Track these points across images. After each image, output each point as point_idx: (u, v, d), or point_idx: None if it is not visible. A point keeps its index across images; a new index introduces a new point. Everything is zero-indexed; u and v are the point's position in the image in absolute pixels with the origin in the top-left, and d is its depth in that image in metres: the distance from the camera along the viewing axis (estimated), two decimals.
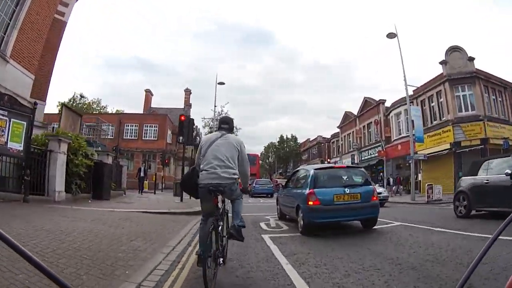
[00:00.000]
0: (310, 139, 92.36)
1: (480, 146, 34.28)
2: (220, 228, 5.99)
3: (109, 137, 56.32)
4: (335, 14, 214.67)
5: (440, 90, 38.81)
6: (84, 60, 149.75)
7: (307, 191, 11.52)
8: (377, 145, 52.75)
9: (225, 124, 6.52)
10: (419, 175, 39.07)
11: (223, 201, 6.58)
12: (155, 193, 35.95)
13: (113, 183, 23.08)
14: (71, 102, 76.04)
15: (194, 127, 24.18)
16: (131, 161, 56.76)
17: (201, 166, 5.96)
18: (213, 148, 6.01)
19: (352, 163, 55.16)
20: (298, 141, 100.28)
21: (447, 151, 36.64)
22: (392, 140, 48.80)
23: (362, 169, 14.30)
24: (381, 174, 51.25)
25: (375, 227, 12.10)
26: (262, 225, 14.06)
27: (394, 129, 48.42)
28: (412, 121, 33.29)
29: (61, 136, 16.23)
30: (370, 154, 54.87)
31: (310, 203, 11.12)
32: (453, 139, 35.99)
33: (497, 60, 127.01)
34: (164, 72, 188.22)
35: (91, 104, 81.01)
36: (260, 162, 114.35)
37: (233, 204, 6.36)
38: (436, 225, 12.23)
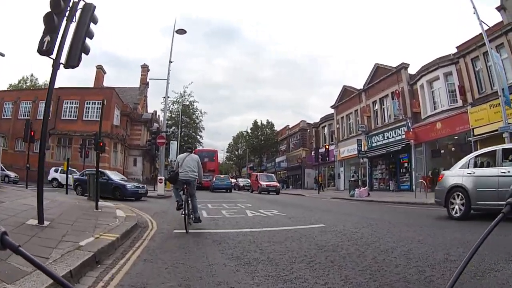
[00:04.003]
0: (290, 126, 79.71)
1: None
2: (189, 200, 11.25)
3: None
4: (302, 7, 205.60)
5: (502, 44, 27.33)
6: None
7: None
8: (398, 125, 38.51)
9: (189, 149, 12.91)
10: None
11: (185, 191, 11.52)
12: (66, 192, 24.07)
13: None
14: (20, 84, 77.57)
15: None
16: (69, 148, 48.75)
17: (180, 170, 11.52)
18: (185, 162, 11.68)
19: (359, 152, 43.55)
20: (275, 129, 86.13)
21: None
22: (423, 117, 35.74)
23: None
24: (406, 165, 37.86)
25: None
26: None
27: (428, 102, 35.15)
28: None
29: None
30: (388, 138, 40.71)
31: None
32: None
33: None
34: (131, 67, 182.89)
35: (41, 86, 71.38)
36: (227, 154, 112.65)
37: (192, 201, 11.44)
38: None
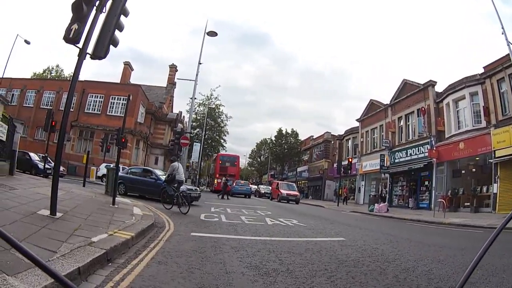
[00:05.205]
0: (314, 137, 78.64)
1: None
2: (179, 193, 16.67)
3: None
4: (333, 21, 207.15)
5: None
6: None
7: None
8: (422, 142, 37.67)
9: (177, 159, 18.71)
10: (495, 185, 27.24)
11: (178, 187, 16.95)
12: (84, 185, 24.09)
13: None
14: (45, 74, 78.47)
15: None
16: (90, 141, 48.44)
17: (175, 173, 17.09)
18: (179, 168, 17.38)
19: (381, 167, 42.91)
20: (299, 138, 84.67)
21: None
22: (447, 136, 34.81)
23: None
24: (426, 183, 36.86)
25: None
26: None
27: (452, 121, 34.19)
28: None
29: None
30: (410, 154, 39.86)
31: None
32: None
33: None
34: (157, 66, 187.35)
35: (67, 78, 73.18)
36: (250, 160, 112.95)
37: (182, 192, 17.03)
38: None
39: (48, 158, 31.84)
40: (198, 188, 26.14)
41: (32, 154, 31.48)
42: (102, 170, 35.47)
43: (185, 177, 20.78)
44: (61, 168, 33.72)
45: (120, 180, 22.63)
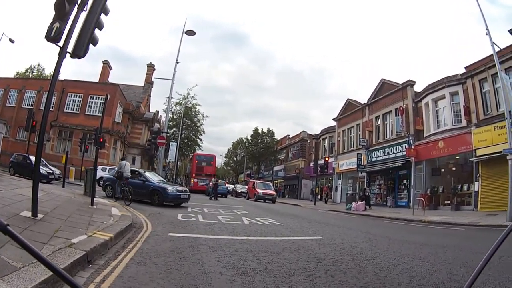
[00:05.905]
0: (290, 136, 78.84)
1: None
2: (125, 188, 19.24)
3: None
4: (314, 20, 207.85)
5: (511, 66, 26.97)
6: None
7: None
8: (400, 141, 37.87)
9: (124, 159, 22.78)
10: (476, 183, 27.71)
11: (124, 183, 19.42)
12: (63, 186, 24.49)
13: None
14: (27, 73, 76.98)
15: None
16: (69, 141, 48.50)
17: (122, 170, 19.79)
18: (126, 166, 20.22)
19: (358, 166, 42.91)
20: (275, 137, 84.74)
21: None
22: (426, 135, 35.02)
23: None
24: (404, 182, 37.11)
25: None
26: None
27: (431, 120, 34.42)
28: None
29: None
30: (388, 153, 40.11)
31: None
32: None
33: None
34: (136, 64, 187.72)
35: (47, 77, 70.66)
36: (226, 160, 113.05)
37: (128, 188, 19.20)
38: None
39: (45, 162, 30.77)
40: (187, 190, 24.98)
41: (33, 158, 30.60)
42: (99, 173, 31.14)
43: (162, 177, 24.57)
44: (57, 171, 32.93)
45: (108, 182, 22.81)
